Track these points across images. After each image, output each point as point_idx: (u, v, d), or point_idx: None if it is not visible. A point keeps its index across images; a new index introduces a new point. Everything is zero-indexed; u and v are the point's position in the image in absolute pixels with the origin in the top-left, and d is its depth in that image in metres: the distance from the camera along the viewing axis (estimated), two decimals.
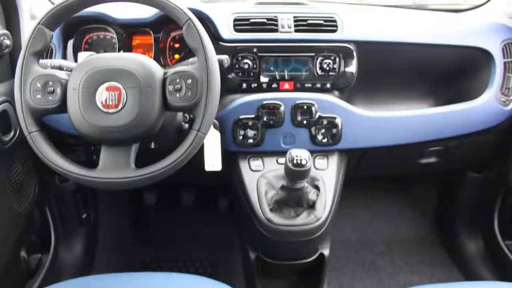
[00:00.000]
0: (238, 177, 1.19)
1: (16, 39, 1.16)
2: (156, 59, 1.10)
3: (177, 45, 1.26)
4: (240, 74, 1.19)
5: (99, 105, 0.86)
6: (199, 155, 1.04)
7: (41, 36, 0.89)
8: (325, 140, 1.18)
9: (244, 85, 1.20)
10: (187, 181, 1.68)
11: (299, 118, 1.17)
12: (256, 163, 1.20)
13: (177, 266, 1.72)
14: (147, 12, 1.20)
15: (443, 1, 1.71)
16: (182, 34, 0.89)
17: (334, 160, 1.21)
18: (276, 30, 1.19)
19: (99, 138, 0.88)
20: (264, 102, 1.17)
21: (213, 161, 1.14)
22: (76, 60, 1.21)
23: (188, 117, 1.08)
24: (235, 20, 1.20)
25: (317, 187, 1.13)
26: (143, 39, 1.25)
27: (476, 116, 1.24)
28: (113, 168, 0.88)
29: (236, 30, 1.19)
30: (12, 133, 1.11)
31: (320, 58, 1.19)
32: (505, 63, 1.24)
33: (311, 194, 1.09)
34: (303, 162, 0.97)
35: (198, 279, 0.94)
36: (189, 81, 0.87)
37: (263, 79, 1.20)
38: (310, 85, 1.20)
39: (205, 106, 0.87)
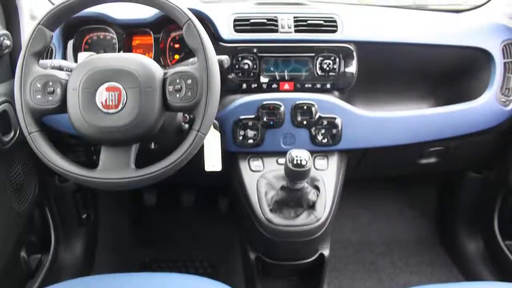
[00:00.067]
0: (238, 178, 1.19)
1: (16, 40, 1.16)
2: (156, 59, 1.10)
3: (177, 46, 1.26)
4: (240, 74, 1.19)
5: (99, 105, 0.86)
6: (199, 155, 1.04)
7: (41, 37, 0.89)
8: (325, 140, 1.18)
9: (244, 86, 1.20)
10: (187, 181, 1.68)
11: (299, 118, 1.17)
12: (256, 164, 1.20)
13: (177, 267, 1.72)
14: (147, 13, 1.19)
15: (443, 1, 1.71)
16: (182, 35, 0.89)
17: (334, 160, 1.21)
18: (276, 31, 1.19)
19: (99, 139, 0.88)
20: (264, 103, 1.17)
21: (213, 162, 1.14)
22: (76, 61, 1.21)
23: (188, 117, 1.08)
24: (235, 20, 1.20)
25: (317, 188, 1.13)
26: (143, 40, 1.25)
27: (476, 117, 1.24)
28: (113, 169, 0.88)
29: (236, 31, 1.19)
30: (12, 133, 1.11)
31: (320, 59, 1.19)
32: (505, 63, 1.24)
33: (311, 195, 1.09)
34: (303, 163, 0.97)
35: (198, 279, 0.94)
36: (189, 81, 0.87)
37: (263, 79, 1.20)
38: (310, 85, 1.20)
39: (205, 107, 0.87)
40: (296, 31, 1.19)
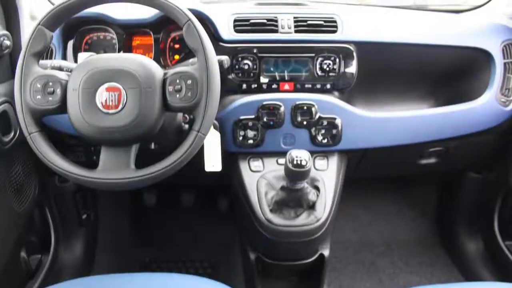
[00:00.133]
0: (238, 178, 1.19)
1: (16, 40, 1.16)
2: (156, 59, 1.10)
3: (177, 46, 1.26)
4: (240, 74, 1.19)
5: (99, 105, 0.86)
6: (199, 155, 1.04)
7: (41, 37, 0.89)
8: (325, 140, 1.18)
9: (244, 86, 1.20)
10: (187, 182, 1.68)
11: (299, 118, 1.17)
12: (256, 164, 1.20)
13: (177, 267, 1.72)
14: (147, 13, 1.19)
15: (443, 1, 1.71)
16: (182, 35, 0.89)
17: (334, 160, 1.21)
18: (276, 31, 1.19)
19: (99, 139, 0.88)
20: (264, 103, 1.17)
21: (213, 162, 1.14)
22: (76, 61, 1.21)
23: (188, 117, 1.08)
24: (235, 20, 1.20)
25: (317, 188, 1.13)
26: (143, 40, 1.25)
27: (476, 117, 1.24)
28: (113, 169, 0.88)
29: (236, 31, 1.19)
30: (12, 133, 1.11)
31: (320, 59, 1.19)
32: (505, 63, 1.24)
33: (311, 195, 1.09)
34: (303, 163, 0.97)
35: (198, 279, 0.94)
36: (189, 81, 0.87)
37: (263, 79, 1.20)
38: (310, 85, 1.20)
39: (205, 107, 0.87)
40: (296, 31, 1.19)
